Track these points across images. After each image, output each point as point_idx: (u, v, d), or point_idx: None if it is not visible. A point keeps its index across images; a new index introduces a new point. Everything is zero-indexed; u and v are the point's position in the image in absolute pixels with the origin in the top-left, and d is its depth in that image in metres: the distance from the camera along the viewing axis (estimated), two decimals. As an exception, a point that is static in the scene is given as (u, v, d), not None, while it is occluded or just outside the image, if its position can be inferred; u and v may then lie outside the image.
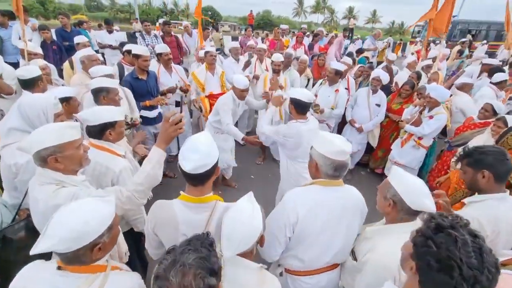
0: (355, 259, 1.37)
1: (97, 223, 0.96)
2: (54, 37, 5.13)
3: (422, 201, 1.17)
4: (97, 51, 6.30)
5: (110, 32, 6.47)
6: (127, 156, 1.88)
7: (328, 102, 3.72)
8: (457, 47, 8.39)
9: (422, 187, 1.21)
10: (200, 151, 1.16)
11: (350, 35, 13.46)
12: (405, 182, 1.23)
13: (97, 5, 59.31)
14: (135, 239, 2.02)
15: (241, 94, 3.01)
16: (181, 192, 1.28)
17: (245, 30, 8.05)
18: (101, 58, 3.94)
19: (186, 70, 4.63)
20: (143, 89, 3.26)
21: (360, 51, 6.84)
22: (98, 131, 1.67)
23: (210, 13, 50.87)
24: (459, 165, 2.89)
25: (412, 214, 1.22)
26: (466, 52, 8.48)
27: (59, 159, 1.26)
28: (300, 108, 2.29)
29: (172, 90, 3.67)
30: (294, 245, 1.45)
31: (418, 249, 0.81)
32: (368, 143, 4.07)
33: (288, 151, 2.44)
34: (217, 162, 1.23)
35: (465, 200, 1.62)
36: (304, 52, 6.39)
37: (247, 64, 4.35)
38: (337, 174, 1.40)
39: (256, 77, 4.76)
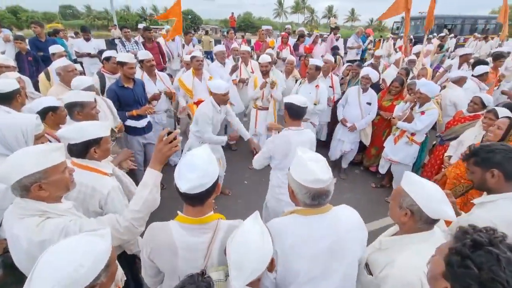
0: (370, 273, 1.27)
1: (93, 264, 0.82)
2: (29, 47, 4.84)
3: (442, 209, 1.09)
4: (75, 61, 6.03)
5: (88, 40, 6.13)
6: (115, 173, 1.73)
7: (310, 98, 3.67)
8: (437, 42, 8.62)
9: (439, 193, 1.13)
10: (198, 168, 1.06)
11: (332, 33, 13.63)
12: (421, 189, 1.13)
13: (72, 13, 57.60)
14: (128, 261, 1.88)
15: (222, 99, 2.89)
16: (178, 213, 1.17)
17: (227, 33, 7.94)
18: (80, 68, 3.71)
19: (171, 76, 4.48)
20: (130, 98, 3.09)
21: (335, 48, 6.85)
22: (82, 149, 1.52)
23: (190, 16, 50.42)
24: (452, 160, 2.95)
25: (431, 223, 1.14)
26: (446, 46, 8.73)
27: (43, 186, 1.13)
28: (293, 113, 2.20)
29: (157, 97, 3.51)
30: (286, 285, 1.25)
31: (454, 270, 0.72)
32: (360, 142, 4.06)
33: (277, 160, 2.30)
34: (217, 179, 1.12)
35: (475, 201, 1.57)
36: (290, 53, 6.36)
37: (235, 69, 4.24)
38: (315, 203, 1.21)
39: (242, 81, 4.66)
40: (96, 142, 1.54)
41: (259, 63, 3.93)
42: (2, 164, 1.09)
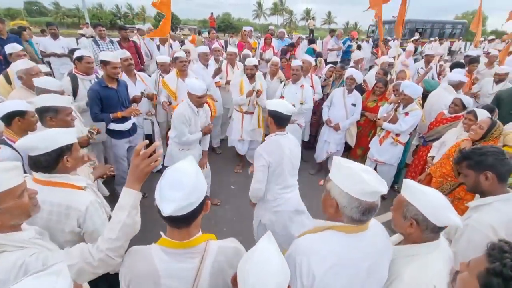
0: None
1: None
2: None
3: (448, 216, 1.05)
4: (41, 61, 5.56)
5: (55, 37, 5.54)
6: (89, 186, 1.54)
7: (296, 99, 3.70)
8: (412, 45, 8.97)
9: (442, 200, 1.09)
10: (184, 186, 0.90)
11: (311, 35, 13.85)
12: (424, 197, 1.09)
13: (39, 10, 54.14)
14: (111, 283, 1.68)
15: (197, 101, 2.72)
16: (162, 234, 1.01)
17: (209, 33, 7.74)
18: (47, 69, 3.37)
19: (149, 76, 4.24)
20: (113, 99, 2.87)
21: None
22: (53, 160, 1.31)
23: (168, 16, 49.07)
24: (435, 160, 3.01)
25: (437, 231, 1.11)
26: (420, 49, 9.11)
27: None
28: (279, 121, 2.11)
29: (137, 99, 3.30)
30: None
31: None
32: (345, 143, 4.07)
33: (271, 168, 2.10)
34: (206, 197, 0.98)
35: (470, 204, 1.57)
36: (273, 54, 6.30)
37: (218, 72, 4.08)
38: (364, 219, 1.07)
39: (228, 83, 4.53)
40: (68, 149, 1.36)
41: (245, 65, 3.82)
42: None
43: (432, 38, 13.46)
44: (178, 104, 3.53)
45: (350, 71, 3.73)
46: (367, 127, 3.97)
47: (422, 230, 1.10)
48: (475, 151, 1.55)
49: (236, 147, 4.18)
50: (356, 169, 1.06)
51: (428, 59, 5.33)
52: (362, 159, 4.10)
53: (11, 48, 3.32)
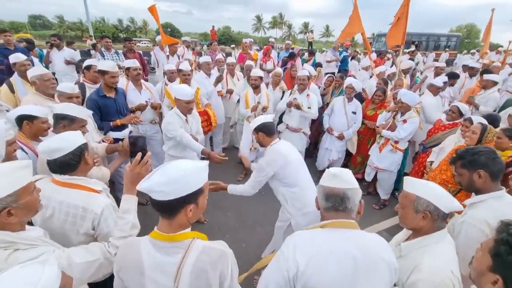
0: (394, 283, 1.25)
1: None
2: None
3: (452, 202, 1.17)
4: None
5: (59, 48, 5.61)
6: (104, 191, 1.58)
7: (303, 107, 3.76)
8: (408, 56, 9.20)
9: (442, 189, 1.20)
10: (168, 175, 0.95)
11: (310, 47, 14.19)
12: (431, 189, 1.19)
13: (43, 23, 55.29)
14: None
15: (185, 106, 2.64)
16: (155, 228, 1.06)
17: (211, 45, 7.98)
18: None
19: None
20: (112, 108, 2.93)
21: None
22: (78, 158, 1.38)
23: (169, 29, 50.33)
24: (434, 165, 3.07)
25: (445, 219, 1.20)
26: (416, 60, 9.32)
27: (13, 212, 0.99)
28: (267, 131, 2.17)
29: (142, 107, 3.37)
30: None
31: (503, 260, 0.76)
32: (346, 150, 4.13)
33: (280, 175, 2.14)
34: (195, 192, 1.00)
35: (466, 202, 1.63)
36: (273, 65, 6.46)
37: (219, 79, 4.20)
38: (330, 205, 1.16)
39: (230, 91, 4.63)
40: (86, 147, 1.44)
41: (250, 76, 3.92)
42: None
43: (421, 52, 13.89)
44: None
45: (349, 80, 3.83)
46: (367, 135, 4.04)
47: (434, 220, 1.19)
48: (468, 151, 1.62)
49: (248, 157, 4.23)
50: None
51: (438, 72, 5.32)
52: (362, 166, 4.15)
53: (15, 58, 3.38)
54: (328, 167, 4.12)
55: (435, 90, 4.00)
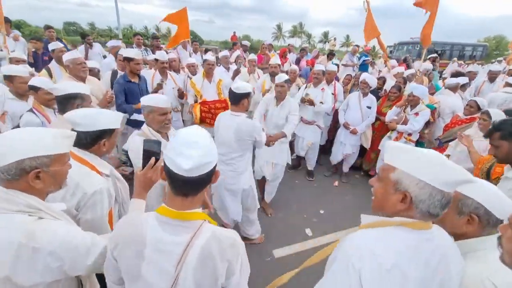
0: None
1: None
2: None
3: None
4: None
5: (91, 46, 6.08)
6: (113, 175, 1.46)
7: (316, 101, 3.88)
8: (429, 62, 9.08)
9: (498, 190, 0.99)
10: (200, 145, 0.85)
11: (330, 56, 14.33)
12: (483, 188, 0.98)
13: (76, 30, 59.06)
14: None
15: (159, 120, 1.86)
16: (163, 204, 0.92)
17: (234, 45, 8.36)
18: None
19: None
20: (135, 92, 3.23)
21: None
22: (92, 140, 1.33)
23: (192, 37, 52.15)
24: (451, 159, 3.05)
25: (496, 226, 0.94)
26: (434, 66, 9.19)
27: (42, 176, 0.95)
28: (230, 97, 2.28)
29: (159, 87, 3.62)
30: None
31: None
32: (360, 146, 4.16)
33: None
34: (216, 164, 0.93)
35: (505, 175, 1.62)
36: (290, 65, 6.64)
37: (237, 73, 4.43)
38: (440, 213, 0.86)
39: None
40: (109, 133, 1.37)
41: (270, 64, 4.12)
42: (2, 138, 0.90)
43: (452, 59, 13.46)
44: (198, 103, 3.86)
45: (363, 76, 3.94)
46: (381, 131, 4.06)
47: (483, 226, 0.98)
48: (506, 121, 1.61)
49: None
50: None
51: (492, 77, 5.16)
52: (376, 162, 4.15)
53: (54, 45, 3.79)
54: (341, 162, 4.21)
55: (453, 88, 4.09)
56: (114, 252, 0.90)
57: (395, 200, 0.88)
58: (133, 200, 1.22)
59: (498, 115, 2.61)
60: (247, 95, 2.25)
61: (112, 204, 1.37)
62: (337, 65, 6.77)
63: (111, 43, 5.22)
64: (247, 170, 2.44)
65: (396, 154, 0.90)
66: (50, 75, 3.62)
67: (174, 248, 0.85)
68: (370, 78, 3.87)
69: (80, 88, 2.03)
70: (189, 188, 0.88)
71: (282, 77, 3.17)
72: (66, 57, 2.95)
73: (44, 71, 3.65)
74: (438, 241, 0.88)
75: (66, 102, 1.95)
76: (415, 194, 0.85)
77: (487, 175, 2.10)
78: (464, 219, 1.00)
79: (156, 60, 3.75)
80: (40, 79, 2.42)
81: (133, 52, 3.18)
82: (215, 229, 0.91)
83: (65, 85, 2.03)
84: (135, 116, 3.23)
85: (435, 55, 10.62)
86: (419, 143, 3.74)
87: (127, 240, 0.88)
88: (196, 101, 3.96)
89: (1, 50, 4.01)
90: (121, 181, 1.52)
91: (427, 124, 3.75)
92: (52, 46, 3.83)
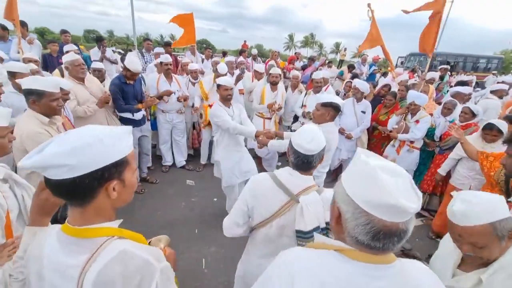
0: None
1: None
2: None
3: None
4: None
5: (104, 50, 6.24)
6: (11, 181, 1.28)
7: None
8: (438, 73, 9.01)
9: (494, 195, 0.96)
10: (67, 143, 0.68)
11: (340, 65, 14.44)
12: (491, 202, 0.93)
13: (95, 37, 61.78)
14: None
15: (224, 93, 3.03)
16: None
17: (241, 53, 8.58)
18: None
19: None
20: (130, 93, 3.43)
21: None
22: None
23: (205, 45, 53.57)
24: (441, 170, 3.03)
25: None
26: (447, 78, 9.08)
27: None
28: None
29: (167, 93, 3.82)
30: None
31: None
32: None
33: None
34: (117, 164, 0.77)
35: None
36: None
37: (239, 78, 4.58)
38: (377, 246, 0.66)
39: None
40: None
41: (270, 73, 4.27)
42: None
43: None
44: (208, 105, 4.01)
45: (354, 82, 4.06)
46: (381, 139, 4.08)
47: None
48: None
49: (256, 151, 4.47)
50: (374, 166, 0.65)
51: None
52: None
53: (69, 47, 4.18)
54: (339, 168, 4.23)
55: (461, 98, 4.15)
56: (25, 268, 0.84)
57: (332, 215, 0.75)
58: (27, 229, 0.96)
59: (503, 127, 2.56)
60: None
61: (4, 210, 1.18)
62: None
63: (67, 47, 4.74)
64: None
65: (350, 163, 0.75)
66: (62, 75, 3.88)
67: (72, 272, 0.71)
68: (360, 83, 3.94)
69: (43, 84, 1.88)
70: (61, 194, 0.73)
71: (277, 70, 3.83)
72: (65, 58, 3.05)
73: (56, 70, 3.93)
74: (393, 279, 0.68)
75: (26, 97, 1.92)
76: (342, 210, 0.70)
77: (506, 186, 2.00)
78: (508, 240, 0.95)
79: (161, 63, 3.95)
80: (19, 65, 2.77)
81: (132, 65, 3.25)
82: (124, 248, 0.73)
83: (30, 79, 1.94)
84: (128, 115, 3.44)
85: (447, 66, 10.55)
86: (426, 151, 3.68)
87: (30, 258, 0.80)
88: (197, 108, 4.18)
89: (18, 52, 4.32)
90: (23, 186, 1.31)
91: None
92: (66, 48, 4.20)
